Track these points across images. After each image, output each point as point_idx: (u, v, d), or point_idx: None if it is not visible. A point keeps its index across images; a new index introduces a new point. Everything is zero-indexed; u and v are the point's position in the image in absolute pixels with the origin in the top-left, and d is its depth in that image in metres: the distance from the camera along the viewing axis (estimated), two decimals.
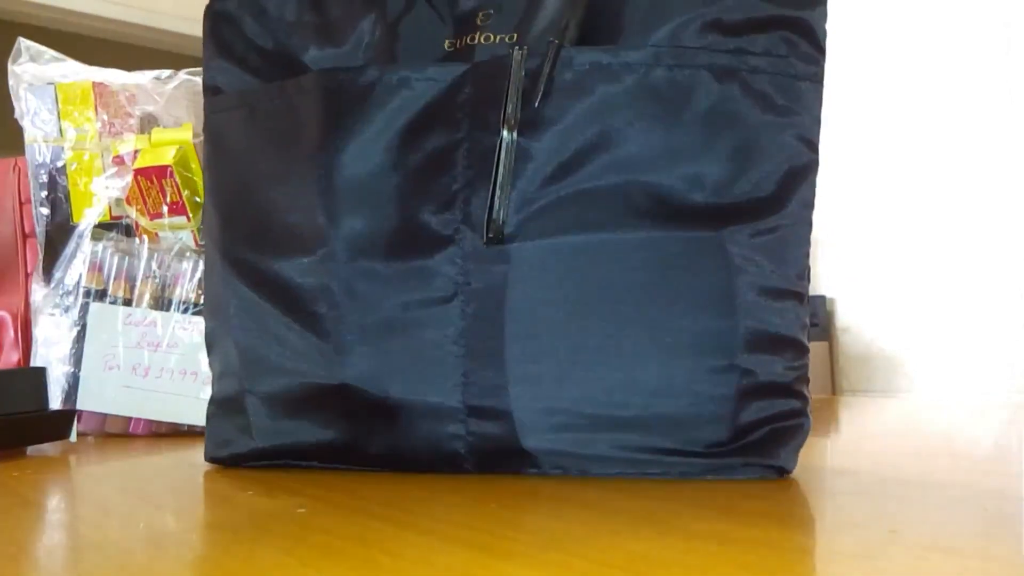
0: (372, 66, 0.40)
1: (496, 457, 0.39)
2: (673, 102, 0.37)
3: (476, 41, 0.41)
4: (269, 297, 0.43)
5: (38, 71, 0.78)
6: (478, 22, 0.41)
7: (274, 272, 0.43)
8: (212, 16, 0.47)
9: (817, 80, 0.39)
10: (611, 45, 0.38)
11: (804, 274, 0.40)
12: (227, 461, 0.46)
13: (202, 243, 0.73)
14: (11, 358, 0.80)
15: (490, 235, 0.38)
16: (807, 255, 0.40)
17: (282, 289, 0.42)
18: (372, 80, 0.40)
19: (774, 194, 0.38)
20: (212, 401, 0.47)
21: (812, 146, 0.39)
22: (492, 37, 0.40)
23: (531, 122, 0.37)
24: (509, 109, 0.37)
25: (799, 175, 0.39)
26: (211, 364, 0.48)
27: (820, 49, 0.39)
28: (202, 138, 0.75)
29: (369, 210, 0.40)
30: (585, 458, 0.38)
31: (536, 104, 0.37)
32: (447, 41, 0.41)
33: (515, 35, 0.40)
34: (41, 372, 0.61)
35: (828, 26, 0.39)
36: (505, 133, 0.37)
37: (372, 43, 0.42)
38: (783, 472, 0.39)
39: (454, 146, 0.39)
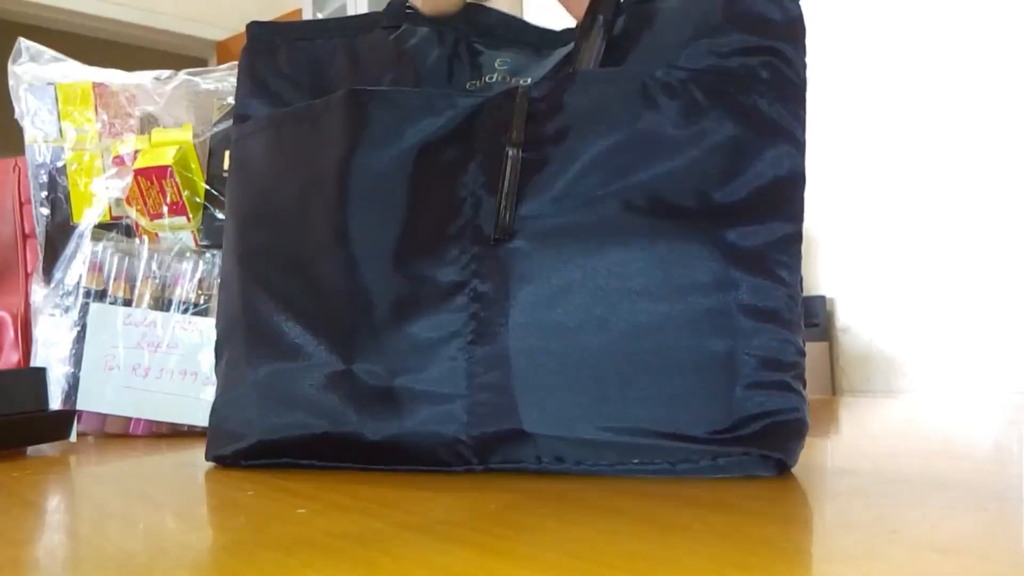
0: (402, 89, 0.44)
1: (496, 441, 0.40)
2: (672, 118, 0.40)
3: (494, 80, 0.45)
4: (282, 300, 0.44)
5: (38, 71, 0.78)
6: (496, 66, 0.46)
7: (290, 274, 0.45)
8: (250, 54, 0.50)
9: (801, 99, 0.42)
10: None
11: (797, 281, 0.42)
12: (229, 459, 0.46)
13: (203, 244, 0.74)
14: (11, 358, 0.80)
15: (497, 236, 0.40)
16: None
17: (297, 289, 0.44)
18: (399, 100, 0.43)
19: (763, 204, 0.40)
20: (216, 400, 0.48)
21: (799, 160, 0.41)
22: (508, 79, 0.45)
23: (539, 138, 0.41)
24: (514, 132, 0.41)
25: (787, 187, 0.41)
26: (216, 371, 0.49)
27: (801, 75, 0.42)
28: (202, 138, 0.75)
29: (383, 213, 0.42)
30: (584, 443, 0.39)
31: (545, 122, 0.41)
32: (468, 83, 0.46)
33: (528, 79, 0.44)
34: (41, 372, 0.61)
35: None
36: (511, 151, 0.40)
37: (399, 81, 0.46)
38: (783, 466, 0.39)
39: (468, 159, 0.42)
